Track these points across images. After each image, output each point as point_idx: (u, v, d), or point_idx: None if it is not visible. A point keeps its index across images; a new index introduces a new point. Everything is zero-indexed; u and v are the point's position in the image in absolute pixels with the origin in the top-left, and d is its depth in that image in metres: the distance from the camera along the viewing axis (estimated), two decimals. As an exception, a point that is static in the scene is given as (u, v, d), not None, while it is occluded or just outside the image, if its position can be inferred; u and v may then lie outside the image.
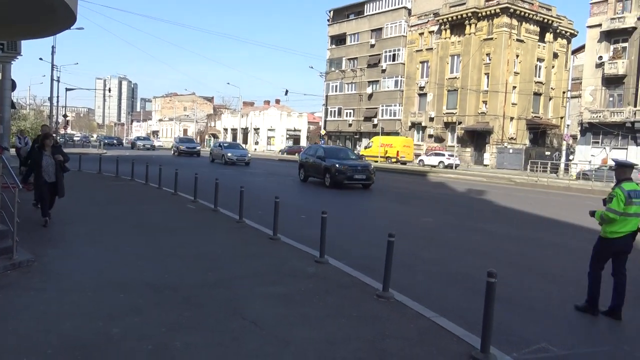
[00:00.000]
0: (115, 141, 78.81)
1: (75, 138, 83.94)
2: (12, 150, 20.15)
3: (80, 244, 8.28)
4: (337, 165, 19.86)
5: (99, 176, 20.33)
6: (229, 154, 33.81)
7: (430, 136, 54.56)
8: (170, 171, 16.96)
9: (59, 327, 4.72)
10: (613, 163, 6.26)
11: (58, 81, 54.52)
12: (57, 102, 56.35)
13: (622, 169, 6.11)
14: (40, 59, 53.05)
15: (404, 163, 47.32)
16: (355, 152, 28.94)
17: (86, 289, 5.86)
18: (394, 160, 48.14)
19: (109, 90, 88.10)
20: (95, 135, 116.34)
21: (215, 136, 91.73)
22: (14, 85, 23.65)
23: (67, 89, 61.13)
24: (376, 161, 43.77)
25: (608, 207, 5.92)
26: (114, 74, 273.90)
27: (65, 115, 55.01)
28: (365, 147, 54.43)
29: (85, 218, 10.73)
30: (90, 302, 5.43)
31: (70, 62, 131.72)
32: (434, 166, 43.59)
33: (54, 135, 18.36)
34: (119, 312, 5.15)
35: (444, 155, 45.49)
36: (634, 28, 37.50)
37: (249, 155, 35.01)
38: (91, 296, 5.63)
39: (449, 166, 42.94)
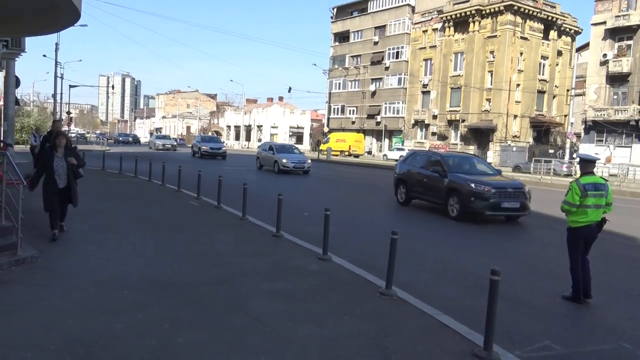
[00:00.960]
0: (130, 139, 72.45)
1: (84, 135, 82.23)
2: (18, 147, 20.29)
3: (83, 240, 8.30)
4: (471, 185, 12.39)
5: (104, 173, 20.38)
6: (284, 160, 26.51)
7: (433, 134, 54.48)
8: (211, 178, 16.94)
9: (62, 323, 4.73)
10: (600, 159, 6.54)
11: (62, 78, 54.65)
12: (61, 99, 56.50)
13: (585, 164, 6.60)
14: (44, 55, 53.28)
15: (356, 156, 54.27)
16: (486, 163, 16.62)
17: (89, 285, 5.88)
18: (346, 153, 54.88)
19: (112, 87, 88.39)
20: (98, 132, 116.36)
21: (218, 133, 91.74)
22: (18, 82, 23.76)
23: (70, 86, 61.28)
24: (337, 155, 50.95)
25: (564, 200, 6.47)
26: (117, 71, 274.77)
27: (68, 112, 55.13)
28: (324, 143, 56.10)
29: (89, 215, 10.75)
30: (94, 299, 5.44)
31: (73, 59, 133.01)
32: (397, 160, 45.33)
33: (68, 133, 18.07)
34: (122, 308, 5.17)
35: (404, 150, 47.73)
36: (639, 26, 37.32)
37: (308, 160, 27.90)
38: (94, 292, 5.65)
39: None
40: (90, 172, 20.00)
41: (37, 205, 10.87)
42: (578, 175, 6.80)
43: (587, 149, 40.39)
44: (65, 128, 59.46)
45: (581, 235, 6.49)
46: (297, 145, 45.66)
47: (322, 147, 53.53)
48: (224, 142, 48.51)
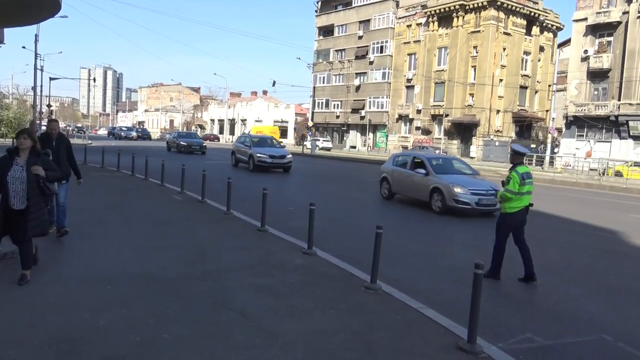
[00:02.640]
0: (134, 133, 61.68)
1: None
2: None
3: (65, 236, 8.18)
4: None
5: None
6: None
7: (417, 128, 54.76)
8: (172, 165, 16.80)
9: (44, 319, 4.67)
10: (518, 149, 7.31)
11: (42, 70, 53.69)
12: (41, 91, 55.53)
13: (517, 155, 7.20)
14: (24, 47, 52.19)
15: None
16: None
17: (72, 281, 5.81)
18: None
19: (94, 79, 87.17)
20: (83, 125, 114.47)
21: (202, 127, 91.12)
22: (-4, 74, 23.26)
23: (51, 79, 60.21)
24: None
25: (506, 189, 7.00)
26: (98, 63, 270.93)
27: (49, 105, 54.26)
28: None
29: (71, 210, 10.59)
30: (76, 294, 5.38)
31: (54, 51, 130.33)
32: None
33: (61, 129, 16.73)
34: (106, 304, 5.12)
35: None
36: (619, 22, 37.87)
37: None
38: (77, 288, 5.58)
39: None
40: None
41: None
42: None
43: (568, 143, 40.99)
44: (61, 123, 58.31)
45: (516, 219, 7.07)
46: (280, 139, 45.27)
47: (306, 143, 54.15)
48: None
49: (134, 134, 57.18)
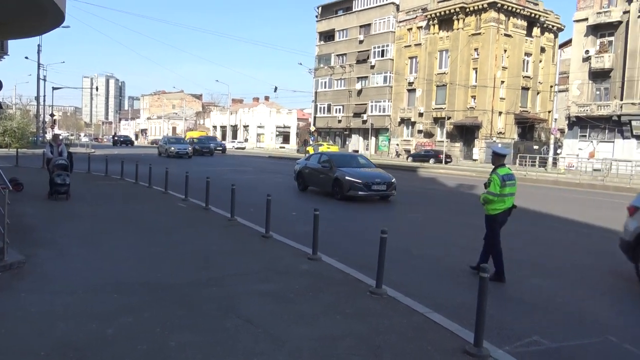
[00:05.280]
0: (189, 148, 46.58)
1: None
2: (1, 150, 19.80)
3: (71, 244, 8.23)
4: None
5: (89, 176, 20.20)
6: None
7: (419, 131, 54.75)
8: (162, 170, 16.86)
9: (52, 328, 4.70)
10: (494, 151, 7.39)
11: (44, 80, 54.06)
12: (44, 101, 55.86)
13: (498, 157, 7.23)
14: (27, 57, 52.45)
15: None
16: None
17: (78, 289, 5.84)
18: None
19: (96, 88, 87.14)
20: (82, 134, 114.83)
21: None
22: (0, 85, 23.38)
23: (53, 88, 60.62)
24: None
25: (488, 191, 7.06)
26: (101, 72, 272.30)
27: (52, 115, 54.44)
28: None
29: (76, 218, 10.66)
30: (83, 303, 5.41)
31: (56, 60, 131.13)
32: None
33: (59, 136, 16.53)
34: (113, 312, 5.14)
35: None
36: (620, 22, 37.83)
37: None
38: (84, 297, 5.61)
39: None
40: (75, 175, 19.84)
41: (22, 209, 10.78)
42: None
43: (571, 144, 40.91)
44: (57, 131, 58.50)
45: (499, 220, 7.15)
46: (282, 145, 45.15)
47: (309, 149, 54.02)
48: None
49: (189, 149, 40.30)
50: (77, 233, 9.14)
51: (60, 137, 16.30)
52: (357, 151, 61.14)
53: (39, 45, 49.49)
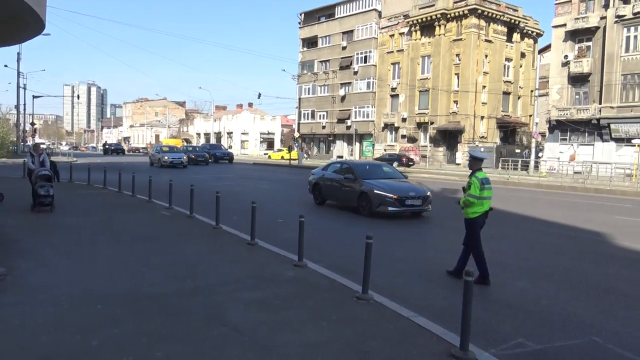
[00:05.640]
0: (184, 157, 38.19)
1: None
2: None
3: (54, 255, 8.11)
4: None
5: (70, 185, 19.96)
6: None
7: (403, 137, 55.09)
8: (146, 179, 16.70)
9: (35, 341, 4.62)
10: (470, 155, 7.58)
11: (24, 89, 53.36)
12: (24, 110, 55.09)
13: (475, 161, 7.41)
14: (6, 66, 51.70)
15: None
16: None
17: (62, 301, 5.75)
18: None
19: (78, 96, 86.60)
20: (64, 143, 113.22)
21: (188, 141, 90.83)
22: (-21, 94, 23.04)
23: (34, 97, 59.97)
24: None
25: (468, 194, 7.20)
26: (82, 80, 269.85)
27: (32, 123, 53.77)
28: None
29: (59, 228, 10.51)
30: (67, 315, 5.33)
31: (37, 68, 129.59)
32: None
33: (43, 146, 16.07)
34: (97, 324, 5.08)
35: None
36: (597, 27, 38.55)
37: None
38: (67, 309, 5.53)
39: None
40: (58, 185, 19.58)
41: (3, 220, 10.61)
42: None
43: (552, 147, 41.49)
44: (38, 140, 57.46)
45: (478, 223, 7.30)
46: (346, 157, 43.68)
47: (293, 153, 53.99)
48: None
49: (184, 157, 37.74)
50: (60, 244, 9.01)
51: (42, 146, 16.00)
52: (341, 157, 61.29)
53: (18, 54, 48.96)
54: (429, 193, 13.69)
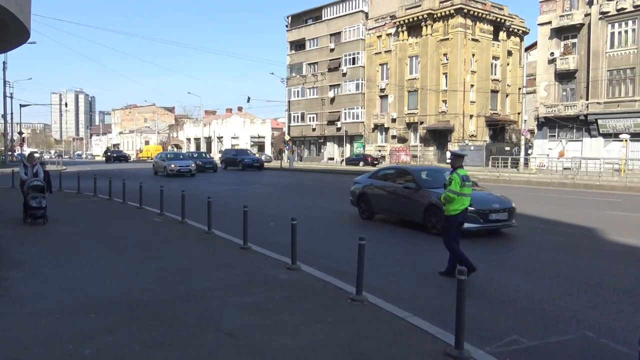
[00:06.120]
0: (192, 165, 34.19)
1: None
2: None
3: (44, 264, 8.03)
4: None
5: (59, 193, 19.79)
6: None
7: (393, 137, 55.21)
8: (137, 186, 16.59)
9: (27, 352, 4.57)
10: (451, 154, 7.79)
11: (11, 97, 52.90)
12: (12, 119, 54.64)
13: (457, 159, 7.64)
14: (-9, 75, 51.21)
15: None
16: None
17: (53, 311, 5.70)
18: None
19: (66, 104, 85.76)
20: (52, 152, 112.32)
21: (178, 147, 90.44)
22: (-36, 104, 22.82)
23: (21, 105, 59.41)
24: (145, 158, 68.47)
25: (449, 189, 7.37)
26: (70, 87, 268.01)
27: (20, 133, 53.35)
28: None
29: (49, 237, 10.42)
30: (59, 325, 5.28)
31: (23, 77, 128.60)
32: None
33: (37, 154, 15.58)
34: (90, 332, 5.03)
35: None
36: (582, 24, 38.91)
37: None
38: (59, 318, 5.48)
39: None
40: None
41: (-8, 231, 10.49)
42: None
43: (541, 144, 41.77)
44: (17, 149, 56.89)
45: (458, 219, 7.47)
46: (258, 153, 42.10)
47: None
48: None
49: (192, 165, 33.78)
50: (51, 252, 8.94)
51: (37, 156, 15.62)
52: (332, 159, 61.36)
53: (4, 62, 48.55)
54: (514, 204, 11.39)
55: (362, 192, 13.57)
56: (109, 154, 70.85)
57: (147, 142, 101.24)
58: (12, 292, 6.49)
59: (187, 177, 31.39)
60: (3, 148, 50.17)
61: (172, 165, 32.25)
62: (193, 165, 33.21)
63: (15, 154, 54.83)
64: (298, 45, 67.69)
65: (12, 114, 54.24)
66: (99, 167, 47.17)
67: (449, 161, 8.23)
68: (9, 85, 51.30)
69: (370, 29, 57.85)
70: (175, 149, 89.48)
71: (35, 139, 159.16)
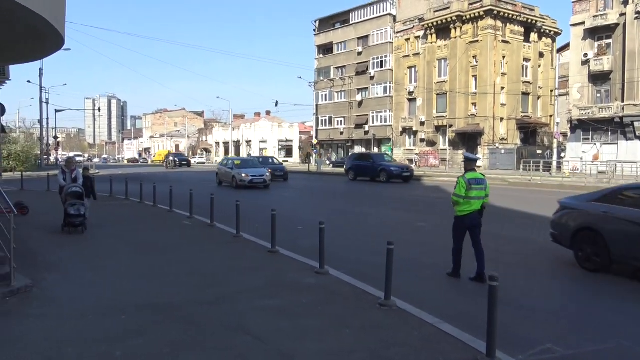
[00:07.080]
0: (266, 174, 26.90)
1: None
2: (6, 174, 19.68)
3: (77, 267, 8.22)
4: None
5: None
6: None
7: (422, 140, 54.75)
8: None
9: (61, 353, 4.67)
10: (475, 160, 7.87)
11: (47, 103, 54.45)
12: (47, 124, 56.24)
13: (468, 162, 7.73)
14: (29, 81, 52.80)
15: None
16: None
17: (87, 313, 5.81)
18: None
19: (99, 109, 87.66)
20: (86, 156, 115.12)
21: (207, 150, 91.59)
22: (3, 110, 23.58)
23: (56, 111, 61.09)
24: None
25: (453, 193, 7.54)
26: (102, 93, 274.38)
27: (55, 137, 54.82)
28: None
29: (81, 241, 10.65)
30: (92, 326, 5.38)
31: (58, 83, 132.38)
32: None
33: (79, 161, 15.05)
34: (121, 334, 5.12)
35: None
36: (617, 24, 37.90)
37: None
38: (92, 320, 5.58)
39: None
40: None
41: (28, 233, 10.79)
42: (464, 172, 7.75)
43: (574, 147, 40.80)
44: (53, 153, 58.34)
45: (466, 221, 7.51)
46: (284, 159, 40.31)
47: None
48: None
49: (267, 174, 26.76)
50: (83, 255, 9.13)
51: (78, 160, 15.37)
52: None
53: (40, 69, 49.93)
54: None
55: (586, 226, 8.21)
56: (170, 158, 62.16)
57: (177, 146, 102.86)
58: (48, 294, 6.64)
59: (259, 190, 24.87)
60: (39, 152, 51.58)
61: (244, 175, 25.70)
62: (268, 174, 26.57)
63: (57, 158, 56.21)
64: (326, 49, 67.83)
65: (47, 118, 55.86)
66: (144, 170, 47.99)
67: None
68: (45, 91, 52.81)
69: (398, 32, 57.56)
70: (205, 153, 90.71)
71: (70, 143, 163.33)
